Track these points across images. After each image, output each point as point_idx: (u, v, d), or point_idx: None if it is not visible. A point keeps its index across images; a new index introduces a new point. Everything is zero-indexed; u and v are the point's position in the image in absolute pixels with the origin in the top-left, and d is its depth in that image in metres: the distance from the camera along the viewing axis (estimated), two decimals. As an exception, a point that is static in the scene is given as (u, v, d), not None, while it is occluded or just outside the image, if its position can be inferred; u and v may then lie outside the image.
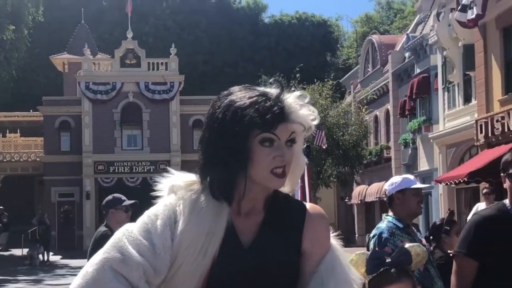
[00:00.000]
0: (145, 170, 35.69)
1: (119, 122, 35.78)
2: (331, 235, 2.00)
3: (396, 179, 4.67)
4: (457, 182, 17.19)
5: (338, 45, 59.75)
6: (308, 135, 1.92)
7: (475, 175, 16.22)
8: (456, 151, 22.45)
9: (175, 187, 1.95)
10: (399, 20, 54.20)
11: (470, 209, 21.86)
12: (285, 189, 1.95)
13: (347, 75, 42.12)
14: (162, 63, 36.59)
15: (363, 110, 28.97)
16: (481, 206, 12.40)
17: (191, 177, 1.97)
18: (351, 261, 2.29)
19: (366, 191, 32.01)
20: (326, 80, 29.27)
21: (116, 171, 35.55)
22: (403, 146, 28.28)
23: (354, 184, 34.16)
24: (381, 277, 2.32)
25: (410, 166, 28.10)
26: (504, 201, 3.39)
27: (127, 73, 35.74)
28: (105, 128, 35.19)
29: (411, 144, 27.19)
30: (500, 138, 17.62)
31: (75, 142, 35.66)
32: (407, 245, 2.41)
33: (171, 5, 53.01)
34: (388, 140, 31.28)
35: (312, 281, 1.89)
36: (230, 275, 1.84)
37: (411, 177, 4.76)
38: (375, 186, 30.80)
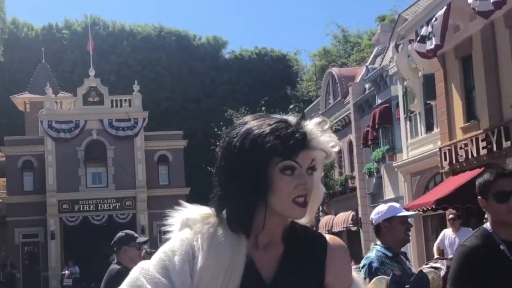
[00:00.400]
0: (111, 208, 35.50)
1: (83, 160, 35.62)
2: (352, 267, 1.96)
3: (382, 207, 4.66)
4: (425, 209, 17.51)
5: (298, 79, 60.51)
6: (329, 162, 1.87)
7: (442, 202, 16.56)
8: (421, 179, 22.88)
9: (190, 221, 1.85)
10: (356, 53, 55.18)
11: (437, 236, 22.27)
12: (303, 220, 1.88)
13: (309, 107, 42.60)
14: (125, 100, 36.68)
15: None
16: (447, 232, 12.60)
17: (206, 210, 1.88)
18: (371, 286, 2.37)
19: (332, 221, 32.24)
20: (291, 113, 29.60)
21: (81, 209, 35.26)
22: (367, 176, 28.68)
23: (321, 214, 34.41)
24: None
25: (376, 195, 28.47)
26: (485, 226, 3.27)
27: (90, 110, 35.72)
28: (69, 167, 34.98)
29: (375, 173, 27.60)
30: (464, 164, 18.05)
31: (38, 182, 35.32)
32: (425, 270, 2.47)
33: (132, 43, 53.19)
34: (352, 170, 31.67)
35: None
36: None
37: (396, 205, 4.75)
38: (341, 215, 31.08)
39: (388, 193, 26.15)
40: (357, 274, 1.95)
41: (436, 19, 17.00)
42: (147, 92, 41.27)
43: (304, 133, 1.77)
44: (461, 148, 18.13)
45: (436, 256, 12.08)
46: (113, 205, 35.55)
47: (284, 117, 1.83)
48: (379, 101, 26.76)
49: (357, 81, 31.77)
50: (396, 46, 23.94)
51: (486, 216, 3.38)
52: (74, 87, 40.35)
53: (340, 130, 32.34)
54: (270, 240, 1.84)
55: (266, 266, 1.82)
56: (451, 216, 12.04)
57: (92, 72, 36.64)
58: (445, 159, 18.89)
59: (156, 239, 36.88)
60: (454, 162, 18.50)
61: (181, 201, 1.94)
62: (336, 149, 1.82)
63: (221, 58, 57.09)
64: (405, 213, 4.65)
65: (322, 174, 1.91)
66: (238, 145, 1.77)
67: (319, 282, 1.85)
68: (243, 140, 1.77)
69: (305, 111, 41.91)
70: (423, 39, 17.86)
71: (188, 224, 1.85)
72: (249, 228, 1.79)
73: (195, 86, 52.05)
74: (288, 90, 55.77)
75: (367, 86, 29.77)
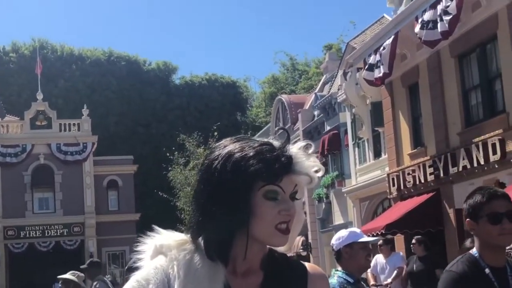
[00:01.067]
0: (58, 234, 34.88)
1: (29, 185, 34.99)
2: None
3: (342, 233, 4.64)
4: (374, 234, 17.74)
5: (248, 105, 60.90)
6: (311, 187, 1.83)
7: (392, 227, 16.80)
8: (369, 204, 23.20)
9: (165, 247, 1.75)
10: (304, 81, 55.95)
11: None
12: (282, 248, 1.80)
13: (259, 133, 42.89)
14: (74, 124, 36.27)
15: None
16: (378, 258, 12.68)
17: (181, 236, 1.79)
18: None
19: (282, 247, 32.31)
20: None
21: (28, 235, 34.56)
22: (317, 201, 28.95)
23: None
24: None
25: (325, 220, 28.73)
26: (471, 251, 3.23)
27: (37, 134, 35.22)
28: (15, 192, 34.31)
29: (324, 199, 27.88)
30: (412, 190, 18.40)
31: (-16, 207, 34.53)
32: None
33: (81, 67, 52.73)
34: (302, 196, 31.88)
35: None
36: None
37: (357, 230, 4.74)
38: (291, 241, 31.18)
39: (338, 218, 26.43)
40: None
41: (384, 48, 17.42)
42: (96, 116, 40.93)
43: (289, 157, 1.69)
44: (408, 174, 18.47)
45: (372, 282, 12.21)
46: (61, 231, 34.93)
47: (268, 140, 1.75)
48: (328, 127, 27.13)
49: (306, 108, 32.17)
50: (345, 74, 24.43)
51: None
52: (21, 111, 39.72)
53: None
54: (248, 268, 1.75)
55: None
56: (380, 242, 12.13)
57: (40, 96, 36.18)
58: (393, 185, 19.22)
59: (105, 266, 36.40)
60: (402, 187, 18.84)
61: (155, 227, 1.83)
62: (319, 174, 1.75)
63: (171, 83, 57.06)
64: (366, 238, 4.64)
65: (303, 201, 1.91)
66: (220, 168, 1.67)
67: None
68: (224, 162, 1.68)
69: (255, 136, 42.37)
70: (371, 67, 18.26)
71: (162, 251, 1.74)
72: (228, 256, 1.71)
73: (145, 111, 51.84)
74: (238, 116, 56.08)
75: (316, 113, 30.16)
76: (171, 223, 40.69)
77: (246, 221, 1.66)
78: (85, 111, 36.37)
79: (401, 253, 13.42)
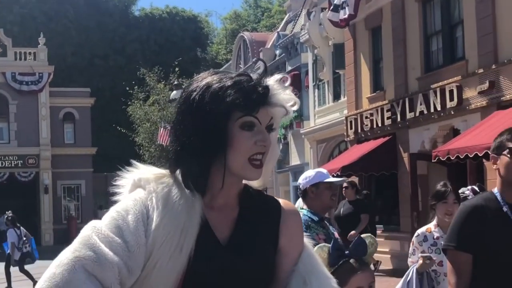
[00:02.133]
0: (13, 165, 34.43)
1: (-17, 114, 34.32)
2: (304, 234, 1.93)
3: (309, 173, 4.72)
4: (330, 176, 17.95)
5: (208, 41, 60.18)
6: (285, 121, 1.91)
7: (347, 169, 17.01)
8: (326, 146, 23.39)
9: (143, 181, 1.78)
10: (267, 19, 55.41)
11: (338, 201, 22.92)
12: (257, 183, 1.87)
13: (219, 70, 42.63)
14: (30, 53, 35.37)
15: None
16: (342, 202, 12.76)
17: (159, 170, 1.83)
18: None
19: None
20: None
21: (-20, 165, 34.10)
22: (275, 141, 29.07)
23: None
24: (343, 269, 2.37)
25: (282, 161, 28.91)
26: (492, 189, 3.26)
27: (-8, 62, 34.32)
28: (-32, 121, 33.66)
29: (282, 140, 27.99)
30: (369, 134, 18.61)
31: None
32: (363, 235, 2.54)
33: (37, -6, 51.18)
34: (259, 135, 31.98)
35: (293, 280, 1.82)
36: (208, 272, 1.73)
37: (324, 171, 4.80)
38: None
39: (294, 159, 26.63)
40: (308, 240, 1.93)
41: (349, -10, 17.28)
42: (52, 46, 39.88)
43: (266, 87, 1.73)
44: (366, 117, 18.64)
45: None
46: (15, 162, 34.45)
47: (245, 71, 1.79)
48: (289, 67, 27.02)
49: (268, 46, 31.94)
50: (308, 14, 24.23)
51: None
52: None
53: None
54: (225, 203, 1.81)
55: (221, 227, 1.78)
56: (344, 184, 12.09)
57: (-6, 23, 35.12)
58: (351, 128, 19.39)
59: (60, 199, 36.23)
60: (359, 131, 19.03)
61: (133, 161, 1.87)
62: (295, 107, 1.81)
63: (131, 15, 55.85)
64: (332, 179, 4.74)
65: (277, 135, 1.88)
66: (198, 99, 1.72)
67: (273, 244, 1.83)
68: (203, 93, 1.72)
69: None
70: (336, 8, 18.15)
71: (141, 184, 1.78)
72: (205, 186, 1.76)
73: (103, 42, 50.76)
74: (198, 52, 55.44)
75: (277, 52, 29.98)
76: (129, 158, 40.79)
77: (224, 151, 1.71)
78: (41, 40, 35.44)
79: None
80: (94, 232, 1.67)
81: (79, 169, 35.83)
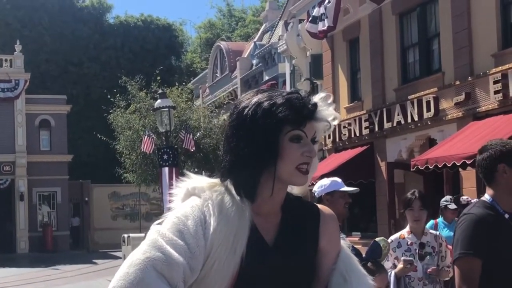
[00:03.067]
0: (-12, 172, 34.23)
1: (-41, 121, 34.05)
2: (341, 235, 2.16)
3: (325, 181, 4.93)
4: (309, 184, 18.26)
5: (183, 49, 60.33)
6: (326, 134, 2.11)
7: (326, 177, 17.20)
8: (303, 154, 23.67)
9: (197, 189, 1.97)
10: (241, 28, 55.76)
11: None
12: (298, 190, 2.07)
13: (195, 79, 42.81)
14: (5, 60, 35.23)
15: (221, 113, 29.71)
16: None
17: (211, 180, 2.00)
18: None
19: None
20: (184, 83, 29.82)
21: (-44, 173, 33.82)
22: (251, 149, 29.34)
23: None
24: None
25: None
26: (484, 198, 3.39)
27: (-33, 69, 34.10)
28: None
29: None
30: (346, 143, 18.98)
31: None
32: (377, 239, 2.76)
33: (11, 0, 50.91)
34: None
35: (334, 278, 2.02)
36: (259, 273, 1.91)
37: (338, 180, 5.00)
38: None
39: (271, 166, 26.93)
40: (344, 242, 2.16)
41: (329, 2, 17.67)
42: (26, 52, 39.63)
43: (314, 104, 1.93)
44: (344, 127, 18.98)
45: None
46: (-10, 169, 34.32)
47: (295, 89, 2.11)
48: (266, 77, 27.41)
49: (245, 56, 32.30)
50: (286, 25, 24.60)
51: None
52: None
53: (225, 104, 32.86)
54: (270, 209, 1.99)
55: (267, 231, 1.97)
56: None
57: (-30, 29, 34.93)
58: (329, 137, 19.70)
59: (36, 206, 36.07)
60: (337, 140, 19.38)
61: (187, 172, 2.07)
62: (335, 122, 2.00)
63: (105, 22, 55.74)
64: (346, 188, 4.95)
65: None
66: (251, 114, 1.90)
67: (315, 246, 2.03)
68: (255, 109, 1.90)
69: (191, 83, 42.23)
70: (315, 20, 18.51)
71: (195, 192, 1.96)
72: (255, 194, 1.93)
73: (77, 50, 50.60)
74: (173, 60, 55.55)
75: (254, 62, 30.36)
76: (105, 165, 39.95)
77: (274, 161, 1.89)
78: (17, 47, 35.34)
79: None
80: (159, 235, 1.84)
81: (55, 176, 35.73)
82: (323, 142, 20.14)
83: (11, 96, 34.65)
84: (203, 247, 1.86)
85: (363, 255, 2.63)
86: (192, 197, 1.96)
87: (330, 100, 1.99)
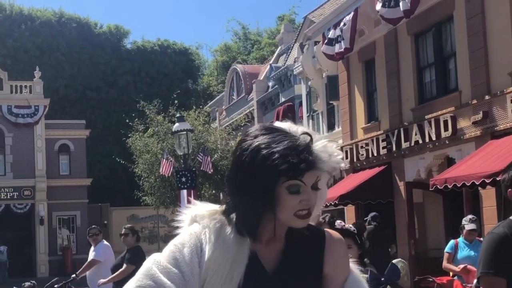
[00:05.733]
0: (8, 197, 34.55)
1: (-20, 147, 34.50)
2: (350, 259, 2.09)
3: None
4: (327, 204, 18.31)
5: (199, 73, 60.74)
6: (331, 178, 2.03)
7: (345, 197, 17.36)
8: (321, 175, 23.71)
9: (198, 217, 1.98)
10: (256, 51, 56.02)
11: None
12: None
13: (212, 102, 43.05)
14: (25, 86, 35.72)
15: (238, 135, 29.81)
16: None
17: (213, 207, 2.02)
18: None
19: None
20: (201, 106, 30.05)
21: (-24, 198, 34.18)
22: (269, 171, 29.36)
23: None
24: None
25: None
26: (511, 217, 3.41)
27: (-12, 96, 34.63)
28: (-35, 153, 33.80)
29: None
30: (364, 163, 19.01)
31: None
32: (394, 261, 2.83)
33: (30, 27, 51.62)
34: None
35: None
36: None
37: None
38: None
39: (289, 188, 26.93)
40: (355, 266, 2.10)
41: (344, 24, 17.80)
42: (45, 78, 40.20)
43: (313, 159, 1.87)
44: (362, 147, 19.03)
45: None
46: (11, 194, 34.60)
47: (292, 132, 1.93)
48: (282, 99, 27.52)
49: (261, 78, 32.48)
50: (301, 47, 24.78)
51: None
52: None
53: (242, 126, 33.04)
54: (272, 237, 1.97)
55: (268, 259, 1.96)
56: (123, 231, 10.43)
57: (-10, 57, 35.51)
58: (346, 157, 19.72)
59: (55, 230, 36.29)
60: (354, 160, 19.40)
61: (191, 199, 2.12)
62: (341, 165, 1.97)
63: (122, 47, 56.35)
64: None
65: (328, 180, 1.98)
66: (248, 161, 1.88)
67: (318, 272, 2.00)
68: (253, 156, 1.88)
69: (208, 106, 42.49)
70: (331, 42, 18.64)
71: (196, 219, 1.99)
72: (256, 234, 1.94)
73: (95, 75, 51.17)
74: (189, 84, 55.96)
75: (270, 84, 30.52)
76: (123, 189, 40.10)
77: (273, 209, 1.89)
78: (37, 73, 35.85)
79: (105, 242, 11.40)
80: (154, 264, 1.90)
81: (74, 200, 35.99)
82: (340, 163, 20.14)
83: (31, 121, 35.09)
84: (198, 275, 1.89)
85: (382, 278, 2.67)
86: (193, 224, 1.99)
87: (334, 146, 1.96)
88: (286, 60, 30.10)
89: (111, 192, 43.36)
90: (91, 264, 10.96)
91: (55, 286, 10.99)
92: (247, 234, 1.92)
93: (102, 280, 10.24)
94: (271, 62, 33.37)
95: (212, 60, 62.47)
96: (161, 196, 25.18)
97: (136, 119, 25.30)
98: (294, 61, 26.52)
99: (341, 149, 20.04)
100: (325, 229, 2.10)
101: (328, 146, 1.93)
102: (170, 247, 1.94)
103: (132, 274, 7.71)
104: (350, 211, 19.82)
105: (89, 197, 37.25)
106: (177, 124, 18.15)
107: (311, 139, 1.91)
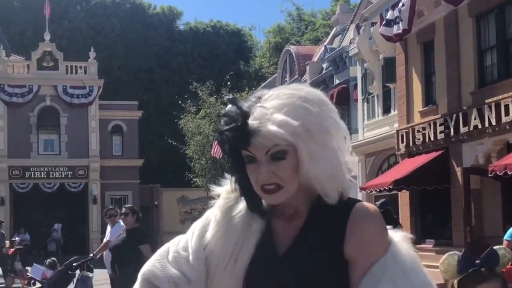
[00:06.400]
0: (63, 176, 35.13)
1: (35, 126, 35.07)
2: (394, 238, 1.76)
3: None
4: (381, 189, 18.00)
5: (252, 54, 60.57)
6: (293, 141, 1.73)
7: (400, 183, 17.02)
8: (375, 160, 23.37)
9: (217, 196, 1.91)
10: (310, 32, 55.47)
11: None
12: (333, 191, 1.76)
13: (264, 84, 42.85)
14: (80, 67, 36.14)
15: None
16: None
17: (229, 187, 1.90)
18: (444, 261, 2.49)
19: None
20: (253, 88, 29.90)
21: (32, 176, 34.80)
22: (320, 155, 29.04)
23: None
24: (471, 277, 2.50)
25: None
26: None
27: (44, 76, 35.14)
28: (21, 132, 34.41)
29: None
30: (420, 147, 18.56)
31: (-11, 146, 34.67)
32: (495, 247, 2.63)
33: (85, 8, 52.24)
34: (306, 148, 32.06)
35: None
36: (264, 283, 1.75)
37: None
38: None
39: (342, 172, 26.59)
40: (405, 247, 1.75)
41: (403, 5, 17.33)
42: (99, 59, 40.68)
43: (247, 133, 1.71)
44: (418, 131, 18.58)
45: None
46: (65, 173, 35.17)
47: (230, 110, 1.78)
48: (337, 81, 27.13)
49: (315, 60, 32.09)
50: (358, 28, 24.32)
51: None
52: (24, 51, 39.50)
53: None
54: (295, 211, 1.78)
55: (284, 237, 1.78)
56: (124, 211, 10.04)
57: (47, 36, 35.96)
58: (402, 142, 19.34)
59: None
60: (410, 144, 18.98)
61: (227, 174, 1.91)
62: (295, 123, 1.69)
63: (175, 29, 56.57)
64: None
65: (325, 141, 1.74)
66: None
67: (337, 253, 1.71)
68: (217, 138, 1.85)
69: (260, 88, 42.31)
70: (389, 23, 18.18)
71: (216, 198, 1.91)
72: (260, 210, 1.80)
73: (148, 56, 51.53)
74: (241, 65, 55.87)
75: (324, 65, 30.12)
76: (175, 170, 40.55)
77: (249, 185, 1.76)
78: (92, 54, 36.22)
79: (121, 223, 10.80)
80: (166, 247, 1.89)
81: (126, 180, 36.38)
82: (396, 147, 19.79)
83: (85, 102, 35.52)
84: (202, 258, 1.82)
85: (477, 261, 2.45)
86: (214, 203, 1.93)
87: (265, 97, 1.77)
88: (341, 42, 29.65)
89: (162, 173, 43.67)
90: (106, 245, 11.03)
91: (74, 264, 11.12)
92: (251, 210, 1.80)
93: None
94: (325, 43, 32.93)
95: (264, 41, 62.20)
96: (212, 178, 25.21)
97: (188, 101, 25.30)
98: (350, 43, 26.08)
99: (397, 133, 19.66)
100: (360, 202, 1.77)
101: (258, 111, 1.72)
102: (188, 231, 1.92)
103: (131, 253, 7.27)
104: (404, 196, 19.45)
105: (140, 177, 37.57)
106: (229, 106, 18.02)
107: (242, 111, 1.74)
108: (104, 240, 11.29)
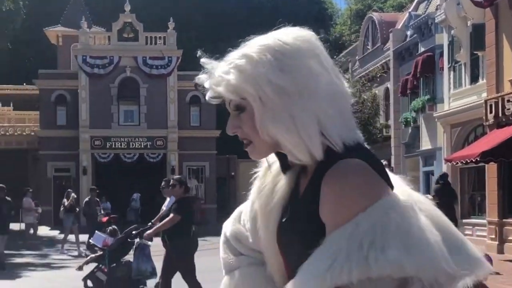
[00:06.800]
0: (142, 146, 35.48)
1: (116, 97, 35.45)
2: (379, 201, 1.48)
3: None
4: (468, 161, 17.17)
5: (332, 22, 59.45)
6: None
7: (488, 155, 16.22)
8: (461, 130, 22.42)
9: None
10: (393, -1, 53.91)
11: (474, 189, 21.90)
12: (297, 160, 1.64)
13: (344, 52, 41.89)
14: (160, 38, 36.19)
15: (373, 87, 28.79)
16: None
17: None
18: None
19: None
20: (335, 57, 29.17)
21: (113, 146, 35.28)
22: (403, 125, 28.18)
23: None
24: None
25: (410, 145, 28.05)
26: None
27: (124, 47, 35.37)
28: (102, 103, 34.85)
29: (412, 123, 27.09)
30: (510, 118, 17.59)
31: (71, 117, 35.31)
32: None
33: (164, -21, 52.35)
34: (387, 118, 31.16)
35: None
36: (279, 241, 1.73)
37: None
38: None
39: (425, 143, 25.71)
40: (398, 212, 1.47)
41: (495, -34, 16.27)
42: (177, 29, 40.66)
43: (203, 87, 1.74)
44: (508, 101, 17.69)
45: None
46: (144, 144, 35.48)
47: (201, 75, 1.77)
48: (422, 49, 26.03)
49: (399, 27, 30.95)
50: (444, -7, 23.17)
51: None
52: (105, 22, 39.84)
53: (376, 77, 31.78)
54: (305, 169, 1.66)
55: (296, 195, 1.71)
56: (172, 182, 10.38)
57: (127, 7, 36.11)
58: (491, 112, 18.42)
59: (186, 180, 36.97)
60: (500, 115, 18.05)
61: None
62: (231, 79, 1.66)
63: (254, -3, 56.06)
64: None
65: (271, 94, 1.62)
66: None
67: (314, 214, 1.57)
68: None
69: (341, 55, 41.40)
70: (479, -13, 17.17)
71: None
72: (283, 166, 1.73)
73: (226, 26, 51.25)
74: (321, 34, 54.87)
75: (408, 33, 28.99)
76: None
77: None
78: (171, 25, 36.18)
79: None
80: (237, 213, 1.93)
81: (204, 151, 36.40)
82: (484, 117, 18.80)
83: (164, 73, 35.58)
84: (252, 229, 1.82)
85: None
86: None
87: (210, 67, 1.78)
88: (427, 8, 28.42)
89: (239, 144, 43.03)
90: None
91: (133, 232, 11.32)
92: (281, 169, 1.74)
93: (149, 231, 10.47)
94: (410, 10, 31.71)
95: (345, 8, 60.92)
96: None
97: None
98: (436, 9, 24.94)
99: (485, 103, 18.64)
100: (349, 159, 1.54)
101: (212, 65, 1.79)
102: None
103: (178, 224, 7.61)
104: (491, 169, 18.54)
105: (217, 148, 37.46)
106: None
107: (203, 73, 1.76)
108: (161, 211, 11.64)
